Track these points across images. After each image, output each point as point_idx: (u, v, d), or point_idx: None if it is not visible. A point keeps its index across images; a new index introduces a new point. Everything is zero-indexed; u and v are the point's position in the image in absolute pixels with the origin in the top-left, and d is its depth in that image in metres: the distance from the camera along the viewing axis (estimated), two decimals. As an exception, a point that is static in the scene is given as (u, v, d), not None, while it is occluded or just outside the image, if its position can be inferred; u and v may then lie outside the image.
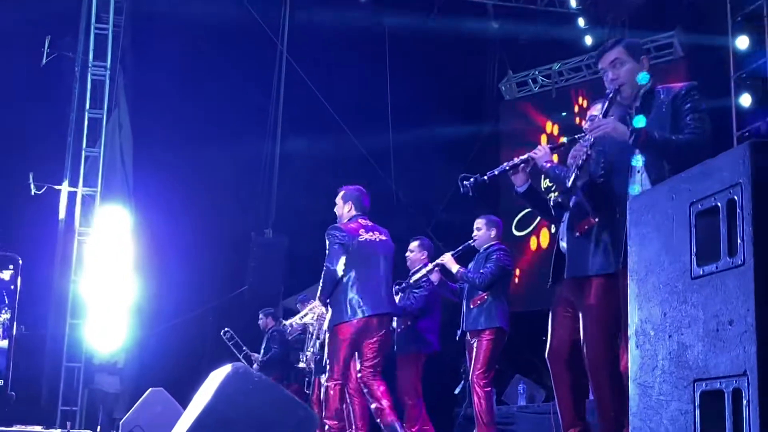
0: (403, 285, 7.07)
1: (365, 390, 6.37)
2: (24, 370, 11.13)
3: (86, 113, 11.22)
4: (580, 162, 4.19)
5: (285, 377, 10.38)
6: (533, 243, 12.72)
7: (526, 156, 4.80)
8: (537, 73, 13.44)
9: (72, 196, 11.06)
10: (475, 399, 6.46)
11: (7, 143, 10.87)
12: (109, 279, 10.77)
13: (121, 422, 6.61)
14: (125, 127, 11.62)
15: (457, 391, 9.34)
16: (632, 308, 2.85)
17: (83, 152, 11.16)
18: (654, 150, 3.95)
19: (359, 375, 6.44)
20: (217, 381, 4.29)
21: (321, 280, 6.36)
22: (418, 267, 7.34)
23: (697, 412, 2.48)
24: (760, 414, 2.25)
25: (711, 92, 8.02)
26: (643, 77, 4.11)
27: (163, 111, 12.14)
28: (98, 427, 9.55)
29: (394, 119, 12.54)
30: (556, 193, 4.96)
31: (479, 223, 6.90)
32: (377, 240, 6.45)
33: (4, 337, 5.40)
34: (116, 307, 10.80)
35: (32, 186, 10.75)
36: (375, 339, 6.30)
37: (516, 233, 12.73)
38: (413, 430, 7.07)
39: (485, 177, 5.06)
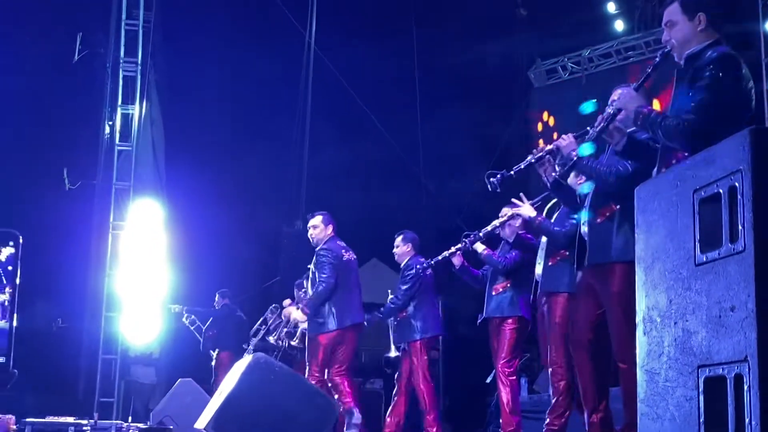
0: (425, 265, 7.05)
1: (331, 387, 7.00)
2: (62, 363, 11.38)
3: (118, 109, 11.35)
4: (598, 128, 4.20)
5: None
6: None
7: (551, 146, 4.79)
8: (566, 60, 13.35)
9: (106, 191, 11.21)
10: (500, 387, 6.46)
11: (41, 140, 11.07)
12: (143, 272, 10.91)
13: (152, 412, 6.73)
14: (157, 121, 11.75)
15: (488, 380, 9.33)
16: (640, 295, 2.86)
17: (116, 147, 11.29)
18: (650, 131, 3.80)
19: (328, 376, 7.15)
20: (239, 371, 4.38)
21: (317, 291, 7.12)
22: (406, 259, 7.58)
23: (701, 398, 2.50)
24: (760, 399, 2.27)
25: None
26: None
27: (194, 105, 12.26)
28: (129, 418, 9.71)
29: (423, 110, 12.54)
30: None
31: (506, 211, 6.88)
32: (353, 259, 7.37)
33: (3, 318, 5.53)
34: (151, 300, 10.95)
35: (66, 181, 10.91)
36: (349, 346, 7.20)
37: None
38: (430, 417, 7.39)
39: (511, 172, 5.10)
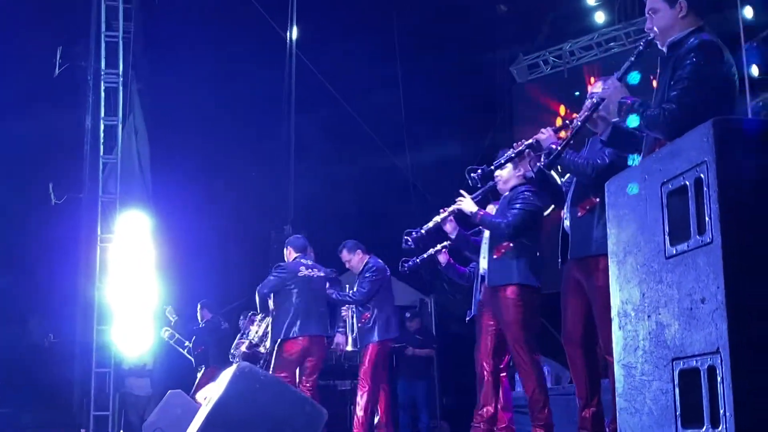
0: (411, 264, 7.01)
1: None
2: (56, 378, 11.36)
3: (101, 121, 11.32)
4: (581, 118, 4.21)
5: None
6: (552, 224, 12.66)
7: (530, 140, 4.80)
8: (548, 54, 13.35)
9: (92, 204, 11.17)
10: (492, 384, 6.44)
11: (25, 155, 11.03)
12: (133, 283, 10.88)
13: (143, 426, 6.71)
14: (141, 132, 11.67)
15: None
16: (614, 290, 2.86)
17: (101, 159, 11.26)
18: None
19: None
20: (225, 381, 4.36)
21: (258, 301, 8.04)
22: (364, 263, 7.82)
23: (677, 390, 2.50)
24: (733, 390, 2.27)
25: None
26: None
27: (178, 114, 12.21)
28: (121, 431, 9.68)
29: (407, 108, 12.52)
30: (567, 175, 4.95)
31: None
32: (315, 276, 7.87)
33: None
34: (142, 311, 10.92)
35: (52, 196, 10.89)
36: (315, 356, 7.73)
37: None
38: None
39: (492, 167, 5.14)
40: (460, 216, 6.02)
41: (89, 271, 11.02)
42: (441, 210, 6.07)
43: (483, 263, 5.78)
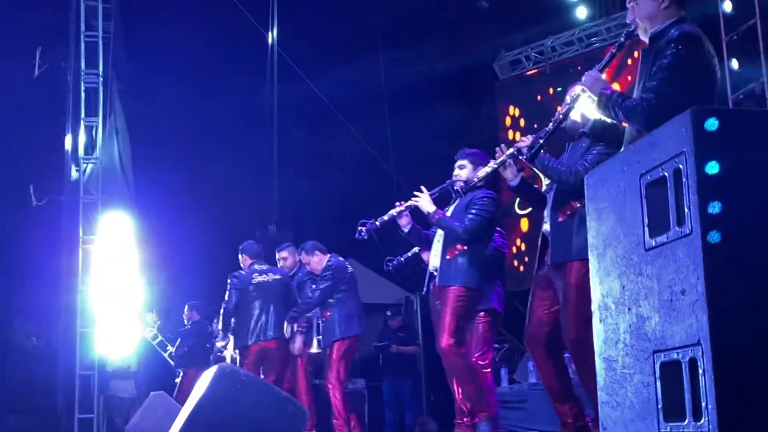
0: (395, 263, 6.98)
1: None
2: (39, 381, 11.26)
3: (82, 121, 11.23)
4: (560, 115, 4.21)
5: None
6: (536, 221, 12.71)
7: (512, 150, 4.79)
8: (530, 50, 13.35)
9: (74, 206, 11.08)
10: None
11: (5, 157, 10.92)
12: (116, 285, 10.81)
13: (126, 428, 6.66)
14: (122, 132, 11.59)
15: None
16: (594, 283, 2.84)
17: (81, 161, 11.18)
18: (611, 113, 3.62)
19: None
20: (205, 382, 4.31)
21: (221, 317, 8.26)
22: (324, 263, 7.72)
23: (658, 383, 2.48)
24: (715, 382, 2.25)
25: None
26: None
27: (159, 114, 12.14)
28: (102, 434, 9.62)
29: (391, 106, 12.50)
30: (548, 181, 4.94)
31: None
32: (270, 281, 8.05)
33: None
34: (125, 313, 10.85)
35: (33, 198, 10.80)
36: (274, 361, 7.90)
37: (519, 212, 12.71)
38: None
39: (475, 180, 5.17)
40: (416, 212, 5.98)
41: (71, 274, 10.93)
42: (397, 203, 6.01)
43: (434, 261, 5.79)
